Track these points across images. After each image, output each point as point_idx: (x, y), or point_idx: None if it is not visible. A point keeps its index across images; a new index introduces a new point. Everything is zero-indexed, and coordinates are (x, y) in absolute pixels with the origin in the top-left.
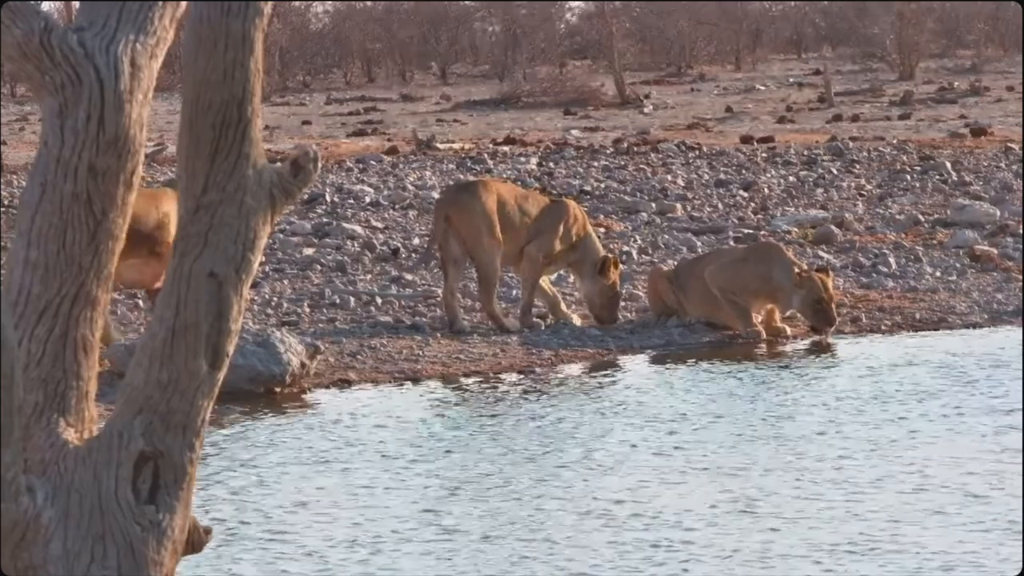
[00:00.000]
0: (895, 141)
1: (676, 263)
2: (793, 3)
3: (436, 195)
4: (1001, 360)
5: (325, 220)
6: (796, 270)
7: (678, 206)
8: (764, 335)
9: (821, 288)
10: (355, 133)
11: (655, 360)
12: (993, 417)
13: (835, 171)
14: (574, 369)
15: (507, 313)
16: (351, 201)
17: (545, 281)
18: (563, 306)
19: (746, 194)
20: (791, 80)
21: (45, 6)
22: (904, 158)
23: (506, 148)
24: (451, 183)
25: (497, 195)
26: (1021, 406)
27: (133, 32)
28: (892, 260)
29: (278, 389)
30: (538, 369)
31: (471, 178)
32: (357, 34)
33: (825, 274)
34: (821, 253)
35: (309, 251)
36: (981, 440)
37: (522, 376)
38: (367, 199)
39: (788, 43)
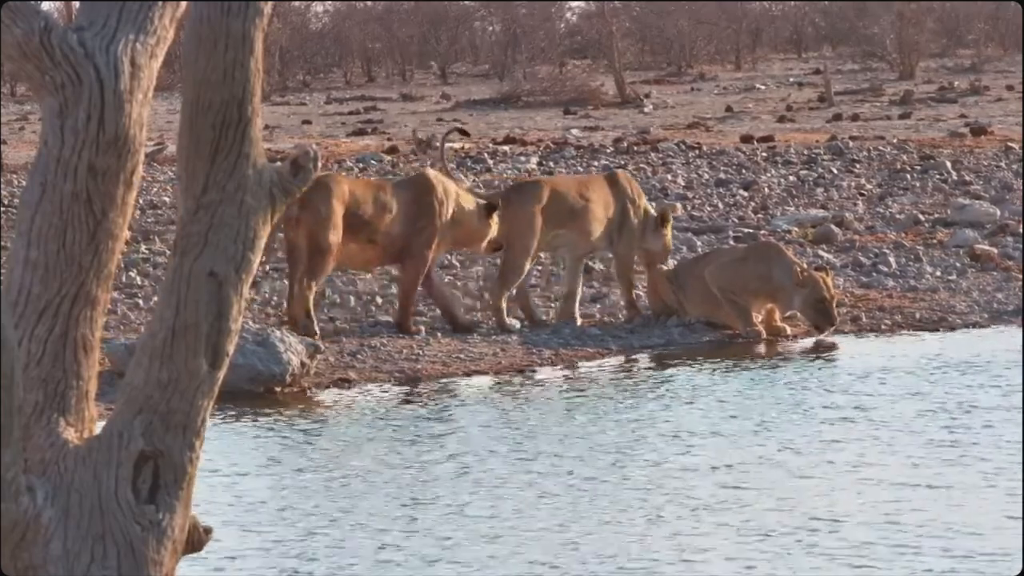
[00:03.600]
0: (895, 140)
1: (676, 263)
2: (793, 3)
3: None
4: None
5: None
6: (797, 269)
7: (678, 205)
8: (764, 335)
9: (823, 288)
10: (355, 132)
11: (656, 360)
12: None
13: (835, 170)
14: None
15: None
16: None
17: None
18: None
19: (746, 193)
20: (791, 79)
21: (45, 6)
22: (904, 157)
23: (506, 147)
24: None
25: (552, 188)
26: (1022, 405)
27: (133, 32)
28: (892, 259)
29: (278, 389)
30: (538, 368)
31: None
32: (357, 33)
33: (825, 273)
34: (821, 252)
35: None
36: None
37: (521, 375)
38: None
39: (788, 42)
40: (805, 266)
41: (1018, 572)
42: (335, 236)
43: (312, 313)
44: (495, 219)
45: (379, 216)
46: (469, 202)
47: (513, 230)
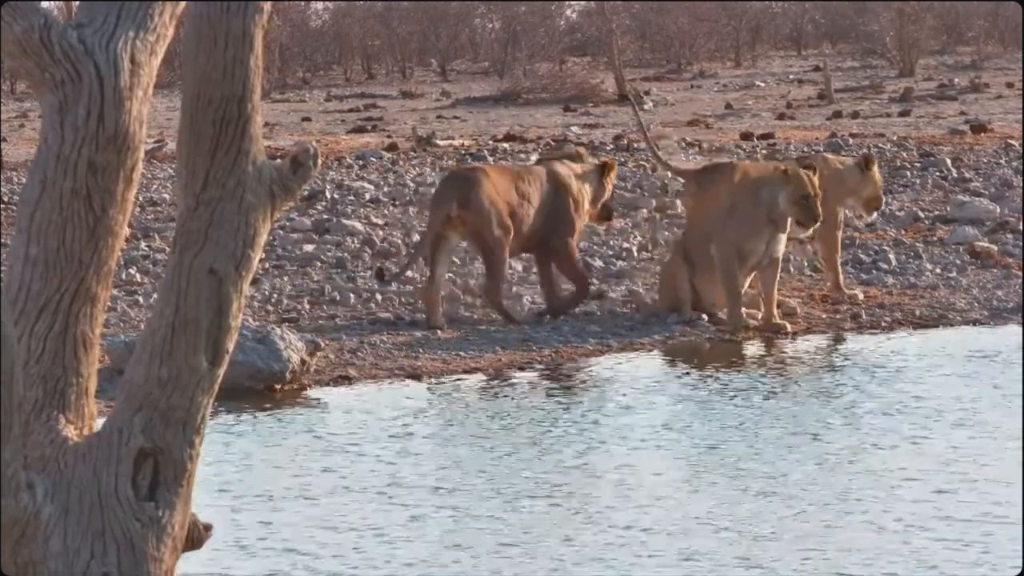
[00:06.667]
0: (895, 138)
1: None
2: (793, 0)
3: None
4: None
5: (325, 217)
6: (778, 167)
7: (678, 203)
8: (749, 324)
9: (807, 184)
10: (355, 130)
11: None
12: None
13: None
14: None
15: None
16: (351, 198)
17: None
18: None
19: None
20: (791, 77)
21: (45, 3)
22: (904, 155)
23: (506, 144)
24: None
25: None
26: (1022, 405)
27: (133, 29)
28: (892, 257)
29: (278, 386)
30: (538, 366)
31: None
32: (357, 31)
33: (812, 171)
34: None
35: (309, 247)
36: None
37: (522, 372)
38: (367, 196)
39: (788, 40)
40: (784, 164)
41: (1018, 572)
42: (500, 229)
43: (505, 310)
44: (610, 181)
45: (521, 206)
46: (590, 178)
47: (700, 209)
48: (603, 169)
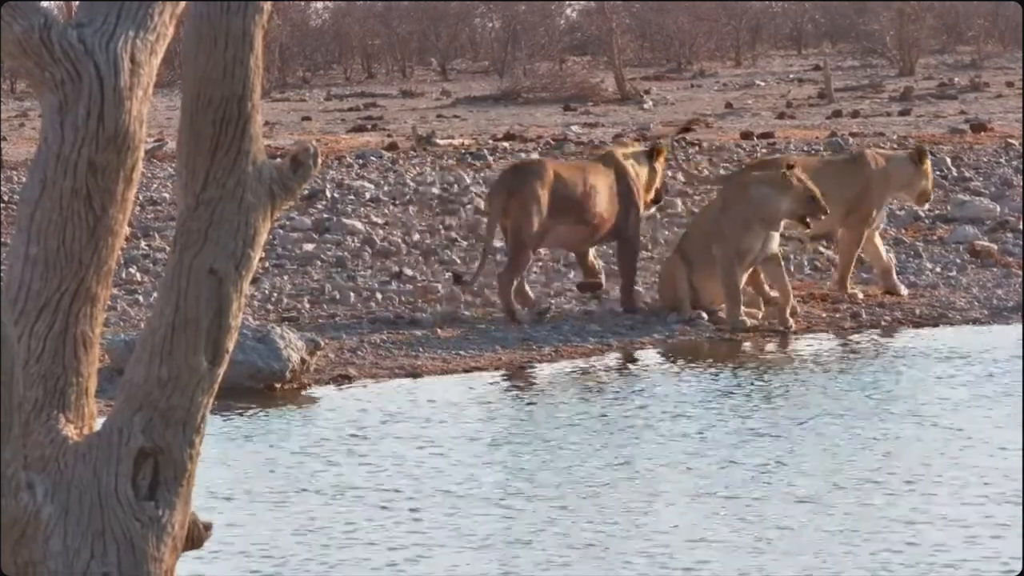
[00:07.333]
0: (895, 137)
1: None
2: (793, 0)
3: (435, 191)
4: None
5: (325, 216)
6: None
7: (678, 202)
8: (748, 324)
9: (805, 182)
10: (355, 129)
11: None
12: None
13: None
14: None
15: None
16: (351, 197)
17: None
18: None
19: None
20: (791, 76)
21: (45, 3)
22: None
23: (506, 144)
24: None
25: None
26: (1022, 404)
27: (133, 28)
28: (892, 256)
29: (278, 385)
30: (538, 365)
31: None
32: (357, 30)
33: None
34: (821, 248)
35: (309, 247)
36: None
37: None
38: (367, 195)
39: (788, 39)
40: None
41: (1018, 572)
42: (537, 228)
43: (513, 308)
44: (660, 165)
45: (587, 197)
46: (643, 168)
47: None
48: (652, 154)
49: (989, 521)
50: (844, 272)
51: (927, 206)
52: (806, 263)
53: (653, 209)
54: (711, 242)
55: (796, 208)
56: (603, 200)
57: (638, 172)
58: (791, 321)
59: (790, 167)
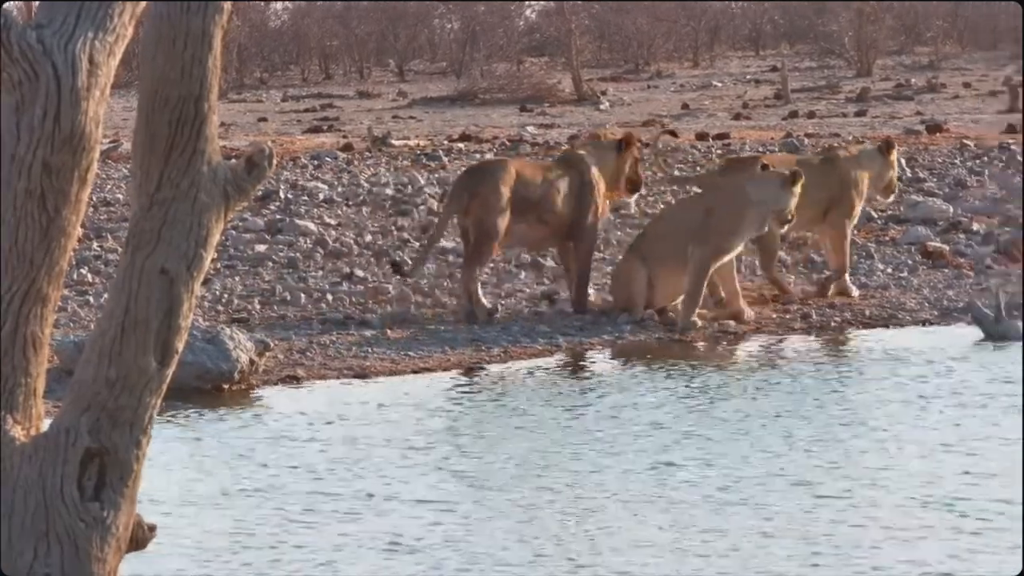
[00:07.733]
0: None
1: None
2: (752, 1)
3: (389, 192)
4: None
5: (278, 217)
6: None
7: (631, 203)
8: (698, 325)
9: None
10: (310, 130)
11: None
12: None
13: None
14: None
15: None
16: (305, 198)
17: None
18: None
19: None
20: (748, 77)
21: (5, 4)
22: None
23: (461, 145)
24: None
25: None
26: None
27: (92, 30)
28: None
29: (226, 386)
30: (487, 365)
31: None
32: (315, 31)
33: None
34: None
35: (261, 248)
36: None
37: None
38: (321, 196)
39: (747, 40)
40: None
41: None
42: (502, 223)
43: (480, 299)
44: (631, 155)
45: (547, 197)
46: (608, 162)
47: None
48: (621, 145)
49: (916, 524)
50: (842, 271)
51: (884, 205)
52: (800, 266)
53: (633, 199)
54: (687, 243)
55: (792, 207)
56: (563, 200)
57: (602, 169)
58: (745, 313)
59: (764, 167)
